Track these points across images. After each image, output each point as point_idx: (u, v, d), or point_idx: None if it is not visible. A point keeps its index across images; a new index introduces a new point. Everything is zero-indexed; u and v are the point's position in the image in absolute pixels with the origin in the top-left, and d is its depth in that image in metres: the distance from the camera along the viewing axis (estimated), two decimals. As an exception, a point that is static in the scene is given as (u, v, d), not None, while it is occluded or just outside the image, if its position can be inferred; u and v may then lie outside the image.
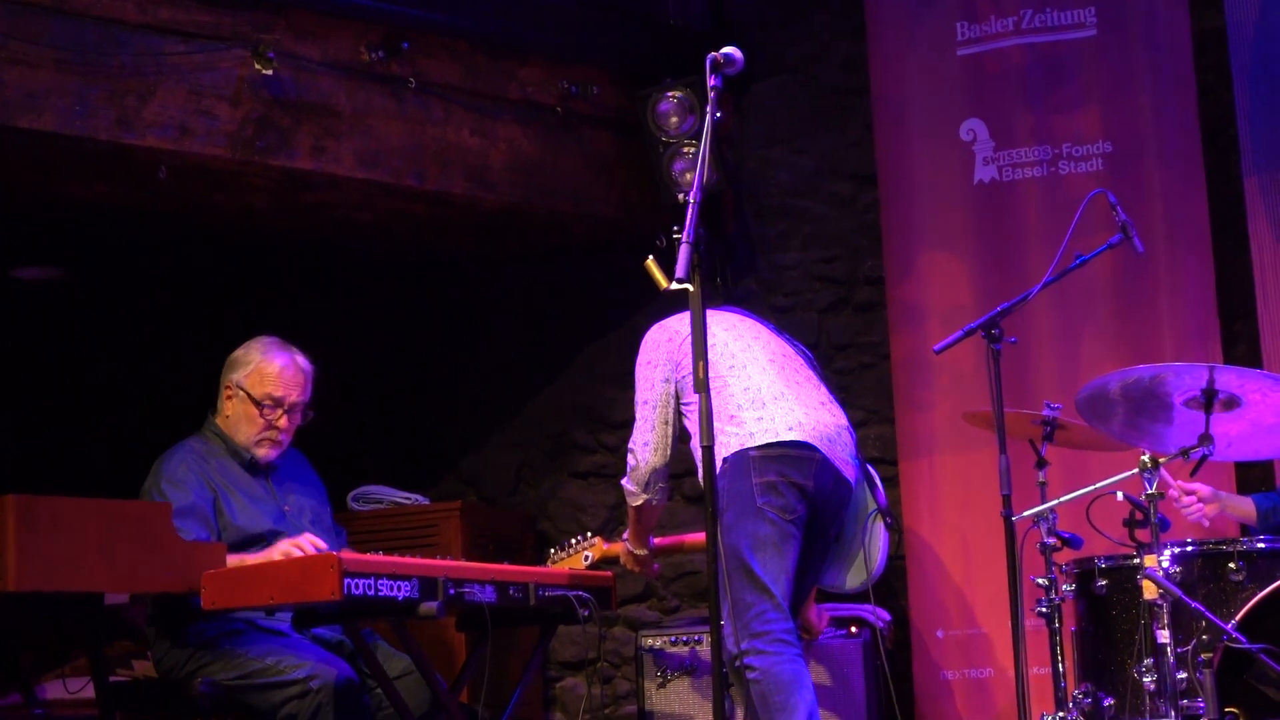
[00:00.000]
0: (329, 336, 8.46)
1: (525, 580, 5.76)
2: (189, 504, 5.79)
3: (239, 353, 6.17)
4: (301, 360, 6.17)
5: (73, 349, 9.13)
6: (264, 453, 6.07)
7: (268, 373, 6.08)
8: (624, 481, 6.06)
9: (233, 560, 5.57)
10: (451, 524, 7.79)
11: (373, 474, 8.23)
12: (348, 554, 5.32)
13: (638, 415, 5.99)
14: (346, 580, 5.11)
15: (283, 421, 6.07)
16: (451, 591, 5.42)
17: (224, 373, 6.16)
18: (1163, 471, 5.40)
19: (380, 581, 5.22)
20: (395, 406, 8.87)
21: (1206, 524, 5.99)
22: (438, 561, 5.58)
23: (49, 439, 8.74)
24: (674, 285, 4.68)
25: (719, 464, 5.67)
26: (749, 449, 5.72)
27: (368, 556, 5.33)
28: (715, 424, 5.53)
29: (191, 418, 6.28)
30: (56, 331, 9.12)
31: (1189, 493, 5.83)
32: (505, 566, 5.82)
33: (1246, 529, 6.23)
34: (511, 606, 5.68)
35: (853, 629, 6.90)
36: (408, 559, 5.47)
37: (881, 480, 6.33)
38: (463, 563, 5.80)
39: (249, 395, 6.05)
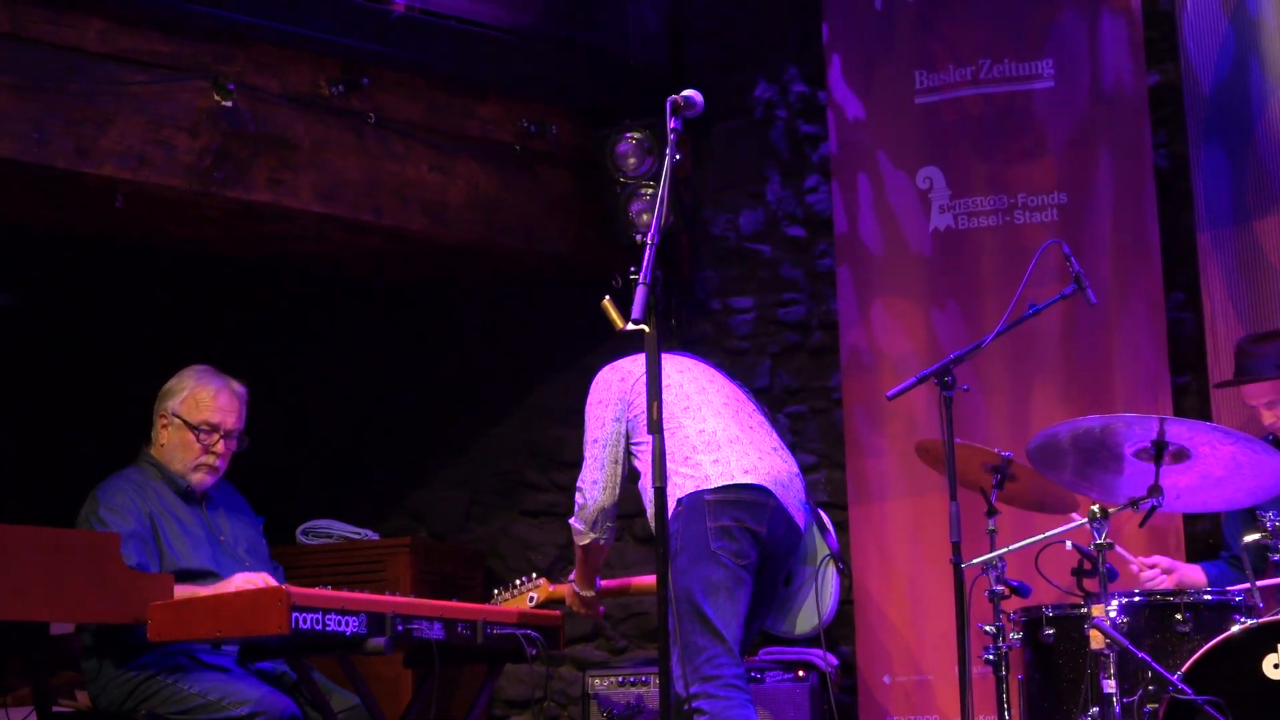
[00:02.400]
0: (279, 367, 8.46)
1: (474, 618, 5.74)
2: (130, 530, 5.75)
3: (172, 382, 6.15)
4: (237, 386, 6.15)
5: (25, 374, 9.08)
6: (200, 478, 6.04)
7: (203, 399, 6.06)
8: (572, 520, 6.05)
9: (182, 592, 5.53)
10: (400, 560, 7.77)
11: (322, 508, 8.20)
12: (296, 588, 5.29)
13: (587, 454, 5.98)
14: (295, 614, 5.09)
15: (219, 447, 6.05)
16: (400, 628, 5.40)
17: (158, 402, 6.14)
18: (1120, 550, 5.44)
19: (328, 616, 5.20)
20: (345, 440, 8.84)
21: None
22: (386, 597, 5.56)
23: (-3, 465, 8.69)
24: (630, 326, 4.69)
25: (672, 505, 5.66)
26: (704, 491, 5.71)
27: (316, 591, 5.30)
28: (669, 465, 5.57)
29: (140, 443, 6.24)
30: (8, 357, 9.06)
31: (1150, 566, 5.91)
32: (454, 604, 5.80)
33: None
34: (459, 644, 5.66)
35: (800, 673, 6.89)
36: (356, 594, 5.45)
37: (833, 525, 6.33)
38: (411, 599, 5.77)
39: (185, 422, 6.03)
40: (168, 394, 6.12)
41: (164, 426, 6.08)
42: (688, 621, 5.49)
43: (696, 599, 5.58)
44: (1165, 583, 6.06)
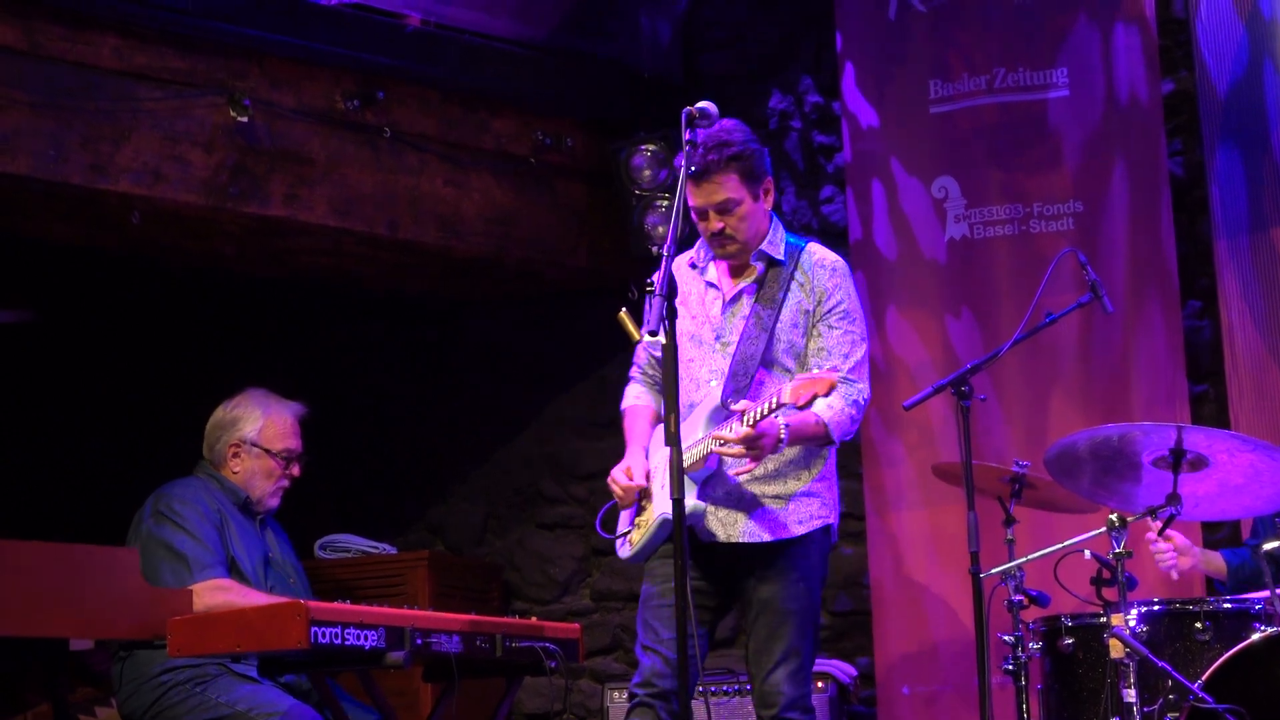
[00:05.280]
0: (296, 381, 8.45)
1: (492, 631, 5.74)
2: (202, 522, 5.86)
3: (238, 410, 6.22)
4: (297, 408, 6.31)
5: (43, 390, 9.11)
6: (275, 501, 6.25)
7: (280, 427, 6.24)
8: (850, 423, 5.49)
9: (229, 592, 5.61)
10: (419, 574, 7.77)
11: (340, 523, 8.21)
12: (315, 602, 5.30)
13: (861, 354, 5.48)
14: (314, 629, 5.09)
15: (296, 470, 6.24)
16: (418, 641, 5.40)
17: (224, 430, 6.20)
18: (1149, 522, 5.42)
19: (347, 630, 5.20)
20: (363, 454, 8.85)
21: (1176, 576, 6.01)
22: (404, 611, 5.56)
23: (16, 482, 8.70)
24: (646, 337, 4.72)
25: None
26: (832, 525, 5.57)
27: (335, 605, 5.30)
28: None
29: (160, 460, 6.28)
30: (27, 373, 9.10)
31: (1167, 538, 5.85)
32: (472, 617, 5.80)
33: (1213, 586, 6.25)
34: (478, 657, 5.66)
35: (819, 684, 6.88)
36: (375, 608, 5.45)
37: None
38: (429, 613, 5.76)
39: (267, 450, 6.17)
40: (236, 422, 6.21)
41: (236, 455, 6.18)
42: (813, 636, 5.43)
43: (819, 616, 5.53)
44: (1180, 563, 5.99)
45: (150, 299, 8.85)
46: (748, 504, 5.35)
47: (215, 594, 5.73)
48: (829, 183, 8.02)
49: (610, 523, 5.63)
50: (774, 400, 5.06)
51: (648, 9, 7.95)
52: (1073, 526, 5.89)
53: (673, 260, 4.69)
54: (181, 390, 6.27)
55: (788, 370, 5.37)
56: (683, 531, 4.59)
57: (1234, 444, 5.31)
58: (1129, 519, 5.31)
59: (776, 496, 5.36)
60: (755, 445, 5.12)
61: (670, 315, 4.63)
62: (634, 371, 5.77)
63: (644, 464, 5.47)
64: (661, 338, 4.62)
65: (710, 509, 5.35)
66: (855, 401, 5.36)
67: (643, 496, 5.44)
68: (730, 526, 5.35)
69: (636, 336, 5.09)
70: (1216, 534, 6.93)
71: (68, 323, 9.15)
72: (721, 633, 6.58)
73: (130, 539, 5.99)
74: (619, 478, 5.44)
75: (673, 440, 4.57)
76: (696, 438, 5.30)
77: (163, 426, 7.37)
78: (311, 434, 6.41)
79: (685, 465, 5.18)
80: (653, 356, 5.67)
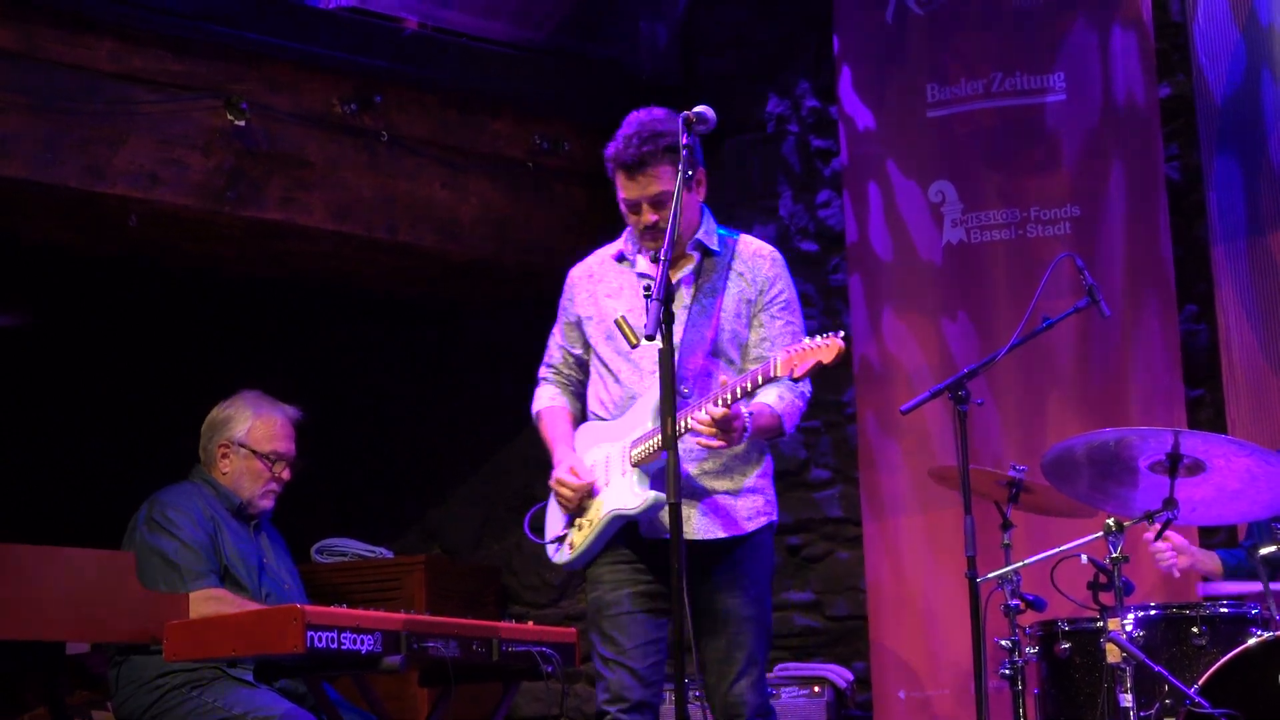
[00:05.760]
0: (293, 385, 8.44)
1: (489, 635, 5.73)
2: (195, 530, 5.85)
3: (229, 410, 6.22)
4: (291, 411, 6.29)
5: (40, 393, 9.11)
6: (267, 504, 6.21)
7: (269, 428, 6.20)
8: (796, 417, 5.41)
9: (224, 599, 5.60)
10: (415, 578, 7.78)
11: (336, 526, 8.21)
12: (311, 607, 5.30)
13: (799, 338, 5.34)
14: (309, 633, 5.07)
15: (285, 474, 6.20)
16: (414, 646, 5.39)
17: (215, 431, 6.20)
18: (1146, 526, 5.42)
19: (343, 635, 5.19)
20: (360, 458, 8.85)
21: (1177, 574, 6.02)
22: (401, 615, 5.55)
23: (16, 484, 8.70)
24: (643, 341, 4.71)
25: (760, 523, 5.48)
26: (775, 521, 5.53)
27: (331, 609, 5.29)
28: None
29: (158, 462, 6.28)
30: (24, 375, 9.09)
31: (1165, 538, 5.85)
32: (469, 621, 5.79)
33: (1208, 581, 6.26)
34: (475, 662, 5.65)
35: (816, 689, 6.89)
36: (371, 612, 5.44)
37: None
38: (426, 617, 5.75)
39: (254, 451, 6.15)
40: (227, 422, 6.20)
41: (225, 456, 6.17)
42: (767, 642, 5.41)
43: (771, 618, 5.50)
44: (1179, 561, 6.00)
45: (149, 301, 8.86)
46: (700, 496, 5.26)
47: (209, 604, 5.73)
48: (826, 186, 8.03)
49: (539, 526, 5.52)
50: (759, 377, 4.94)
51: (646, 12, 7.95)
52: (1069, 531, 5.90)
53: (668, 265, 4.67)
54: (180, 392, 6.28)
55: (732, 361, 5.29)
56: (679, 536, 4.55)
57: (1230, 449, 5.31)
58: (1126, 523, 5.31)
59: (727, 491, 5.28)
60: (729, 427, 4.99)
61: (668, 320, 4.61)
62: (546, 371, 5.67)
63: (582, 463, 5.36)
64: (659, 342, 4.60)
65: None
66: (802, 394, 5.29)
67: (584, 496, 5.35)
68: (684, 522, 5.06)
69: (634, 341, 5.07)
70: (1213, 538, 6.93)
71: (67, 325, 9.15)
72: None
73: (125, 544, 5.98)
74: (567, 479, 5.31)
75: (670, 443, 4.56)
76: (646, 428, 5.20)
77: (161, 428, 7.36)
78: (308, 437, 6.41)
79: (638, 457, 5.18)
80: (569, 355, 5.57)
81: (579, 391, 5.63)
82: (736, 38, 8.29)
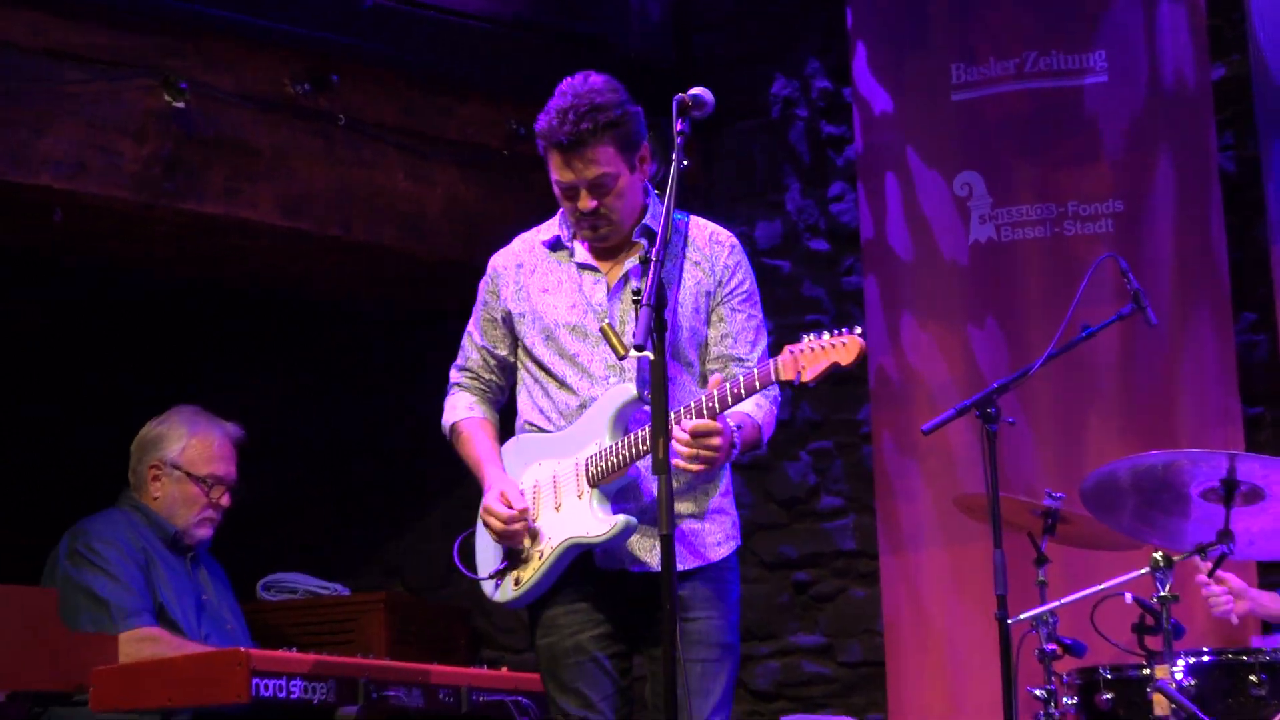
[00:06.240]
0: (237, 400, 8.43)
1: (457, 683, 5.73)
2: (126, 564, 5.83)
3: (161, 428, 6.22)
4: (231, 429, 6.28)
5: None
6: (204, 533, 6.19)
7: (205, 448, 6.20)
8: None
9: (162, 641, 5.60)
10: (375, 618, 7.76)
11: (285, 559, 8.19)
12: (257, 650, 5.28)
13: (765, 341, 5.35)
14: (255, 680, 5.08)
15: (224, 500, 6.20)
16: (374, 695, 5.39)
17: (145, 450, 6.19)
18: (1197, 562, 5.40)
19: (293, 682, 5.19)
20: (312, 482, 8.83)
21: (1235, 621, 5.98)
22: (358, 660, 5.55)
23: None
24: (632, 352, 4.67)
25: (728, 550, 5.44)
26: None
27: (279, 653, 5.29)
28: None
29: (82, 487, 6.26)
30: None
31: (1220, 581, 5.82)
32: (435, 667, 5.79)
33: (1270, 629, 6.25)
34: (441, 712, 5.65)
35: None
36: (324, 657, 5.44)
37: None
38: (387, 662, 5.76)
39: (188, 474, 6.15)
40: (159, 441, 6.20)
41: (156, 478, 6.17)
42: (735, 678, 5.35)
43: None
44: (1236, 607, 5.99)
45: (74, 305, 8.83)
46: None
47: (143, 645, 5.71)
48: (839, 178, 8.02)
49: (470, 556, 5.34)
50: (754, 381, 4.83)
51: (636, -18, 7.97)
52: (1112, 567, 5.90)
53: (660, 266, 4.64)
54: (109, 408, 6.27)
55: (690, 364, 5.18)
56: (672, 572, 4.53)
57: (1294, 474, 5.31)
58: (1175, 558, 5.31)
59: (693, 515, 5.16)
60: (712, 446, 4.86)
61: (660, 328, 4.58)
62: (458, 375, 5.57)
63: (516, 487, 5.22)
64: (649, 352, 4.58)
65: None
66: (775, 399, 5.21)
67: (520, 528, 5.16)
68: (647, 552, 5.11)
69: (622, 352, 5.03)
70: (1275, 574, 6.92)
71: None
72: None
73: (45, 580, 5.97)
74: (498, 509, 5.13)
75: (661, 468, 4.53)
76: (603, 443, 5.07)
77: (86, 449, 7.31)
78: (253, 459, 6.40)
79: (597, 476, 5.05)
80: (490, 357, 5.47)
81: (497, 399, 5.54)
82: (737, 11, 8.30)
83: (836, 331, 4.82)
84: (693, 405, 4.91)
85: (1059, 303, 6.59)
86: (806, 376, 4.77)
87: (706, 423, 4.85)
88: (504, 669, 6.47)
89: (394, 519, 8.70)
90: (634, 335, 4.54)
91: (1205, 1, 7.26)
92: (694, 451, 4.85)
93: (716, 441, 4.86)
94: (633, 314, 5.06)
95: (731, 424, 4.93)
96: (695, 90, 4.87)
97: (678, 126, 4.84)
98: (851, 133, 7.77)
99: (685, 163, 4.86)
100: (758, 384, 4.85)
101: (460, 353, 5.55)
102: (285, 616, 7.74)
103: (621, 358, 5.06)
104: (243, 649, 5.23)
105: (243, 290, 8.24)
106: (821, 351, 4.80)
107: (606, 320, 5.13)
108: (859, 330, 4.80)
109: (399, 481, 8.71)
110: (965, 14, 7.49)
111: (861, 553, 7.71)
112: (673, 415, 4.89)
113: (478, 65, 7.44)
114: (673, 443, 4.80)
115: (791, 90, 8.18)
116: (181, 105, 6.61)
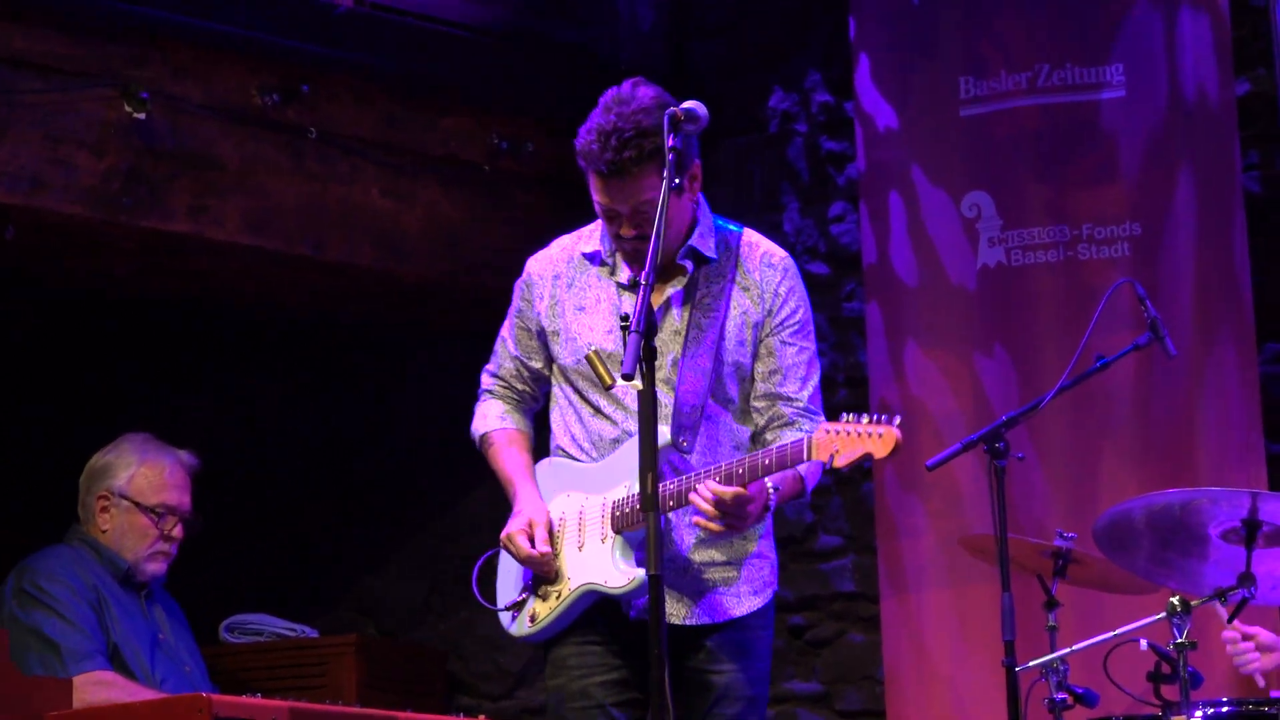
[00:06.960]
0: (201, 428, 8.44)
1: (433, 732, 5.74)
2: (78, 602, 5.83)
3: (110, 457, 6.22)
4: (185, 457, 6.27)
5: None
6: (156, 568, 6.16)
7: (156, 477, 6.18)
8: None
9: (115, 686, 5.60)
10: (344, 661, 7.77)
11: (250, 599, 8.18)
12: (219, 696, 5.29)
13: (818, 376, 5.35)
14: (217, 728, 5.08)
15: (177, 531, 6.18)
16: (343, 744, 5.39)
17: (94, 480, 6.19)
18: (1217, 607, 5.41)
19: (258, 730, 5.19)
20: (278, 517, 8.83)
21: (1261, 682, 5.97)
22: (328, 707, 5.56)
23: None
24: (619, 382, 4.66)
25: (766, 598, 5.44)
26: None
27: (243, 699, 5.29)
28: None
29: (30, 522, 6.26)
30: None
31: (1247, 637, 5.82)
32: (409, 715, 5.79)
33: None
34: (415, 762, 5.66)
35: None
36: (291, 703, 5.44)
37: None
38: (358, 709, 5.77)
39: (137, 504, 6.14)
40: (107, 470, 6.20)
41: (104, 509, 6.16)
42: None
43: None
44: (1263, 662, 5.98)
45: (28, 327, 8.83)
46: (694, 576, 5.16)
47: (96, 690, 5.71)
48: (840, 198, 8.03)
49: (489, 583, 5.40)
50: (787, 458, 4.85)
51: (626, -12, 7.99)
52: (1126, 611, 5.91)
53: (650, 290, 4.62)
54: (62, 437, 6.26)
55: (730, 401, 5.19)
56: (660, 615, 4.53)
57: (1320, 515, 5.32)
58: (1194, 603, 5.31)
59: (727, 563, 5.18)
60: (740, 512, 4.92)
61: (649, 356, 4.57)
62: (490, 382, 5.56)
63: (545, 513, 5.25)
64: (639, 382, 4.57)
65: None
66: None
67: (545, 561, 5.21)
68: (674, 604, 5.12)
69: (608, 381, 5.03)
70: (1297, 622, 6.94)
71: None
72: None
73: (-6, 620, 5.97)
74: (521, 542, 5.18)
75: (650, 504, 4.53)
76: (633, 488, 5.03)
77: (36, 481, 7.30)
78: (213, 490, 6.39)
79: (623, 522, 5.08)
80: (524, 367, 5.46)
81: (530, 408, 5.54)
82: (734, 20, 8.31)
83: (875, 418, 4.83)
84: (723, 467, 4.93)
85: (1072, 331, 6.61)
86: (840, 462, 4.79)
87: (733, 490, 4.86)
88: (481, 716, 6.47)
89: (366, 556, 8.70)
90: (623, 364, 4.52)
91: (1229, 13, 7.28)
92: (714, 514, 4.88)
93: (747, 510, 4.89)
94: (673, 341, 5.14)
95: (769, 486, 4.94)
96: (688, 104, 4.88)
97: (669, 142, 4.82)
98: (853, 149, 7.78)
99: (677, 181, 4.84)
100: (789, 461, 4.85)
101: (493, 357, 5.58)
102: (249, 660, 7.75)
103: (608, 388, 5.07)
104: (205, 694, 5.23)
105: (206, 312, 8.25)
106: (858, 439, 4.80)
107: (595, 348, 5.13)
108: (898, 420, 4.83)
109: (371, 516, 8.71)
110: (975, 26, 7.50)
111: (861, 595, 7.71)
112: (702, 473, 4.95)
113: (460, 76, 7.45)
114: (695, 498, 4.89)
115: (790, 104, 8.19)
116: (143, 116, 6.62)
